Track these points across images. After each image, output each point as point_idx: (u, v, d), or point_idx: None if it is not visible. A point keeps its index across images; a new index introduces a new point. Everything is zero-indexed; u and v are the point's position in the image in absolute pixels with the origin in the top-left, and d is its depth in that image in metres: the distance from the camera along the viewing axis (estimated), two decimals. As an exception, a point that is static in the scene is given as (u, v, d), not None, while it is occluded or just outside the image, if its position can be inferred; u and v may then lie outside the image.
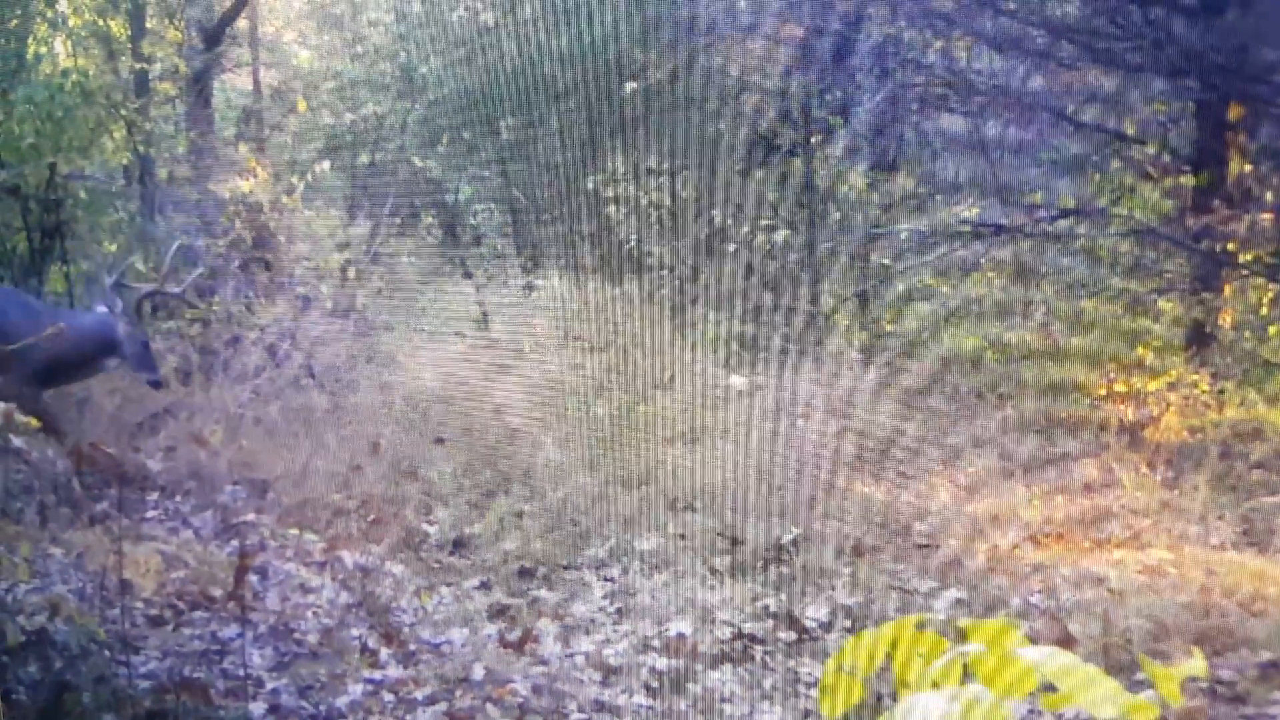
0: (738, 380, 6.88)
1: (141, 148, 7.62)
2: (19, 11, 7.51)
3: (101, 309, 5.68)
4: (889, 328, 7.83)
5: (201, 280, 6.26)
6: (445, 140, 8.78)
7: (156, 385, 5.80)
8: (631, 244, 8.41)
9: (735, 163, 8.81)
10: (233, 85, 8.75)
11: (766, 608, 4.40)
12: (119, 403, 6.02)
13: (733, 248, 8.21)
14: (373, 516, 5.20)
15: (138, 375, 5.72)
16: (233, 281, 6.71)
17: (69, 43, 8.09)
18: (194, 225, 7.28)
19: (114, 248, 7.28)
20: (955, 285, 7.80)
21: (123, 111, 7.51)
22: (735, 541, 4.99)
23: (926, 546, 4.99)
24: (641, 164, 8.62)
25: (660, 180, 8.75)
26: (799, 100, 8.33)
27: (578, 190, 8.60)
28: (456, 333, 7.58)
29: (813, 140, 8.17)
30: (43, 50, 7.85)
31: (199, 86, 7.90)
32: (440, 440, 6.02)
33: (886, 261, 8.00)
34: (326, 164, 7.97)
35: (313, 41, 8.94)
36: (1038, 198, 7.63)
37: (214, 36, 7.94)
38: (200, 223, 7.33)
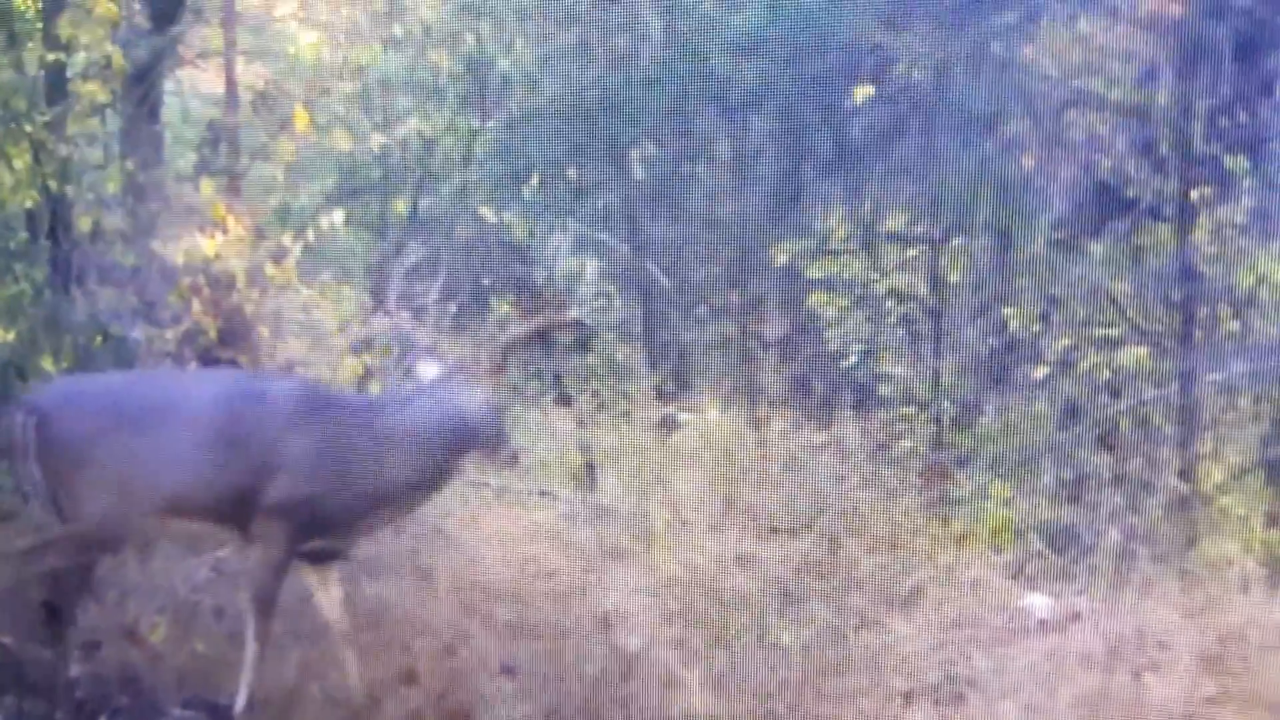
0: (1038, 601, 7.18)
1: (54, 184, 8.16)
2: None
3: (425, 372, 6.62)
4: (1321, 526, 7.98)
5: None
6: (536, 180, 9.38)
7: (515, 459, 6.79)
8: (853, 358, 8.79)
9: (1050, 227, 9.23)
10: (195, 87, 9.42)
11: None
12: (17, 568, 6.64)
13: (1041, 373, 8.59)
14: (395, 785, 5.72)
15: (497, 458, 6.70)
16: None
17: (-57, 22, 8.65)
18: (128, 307, 7.93)
19: (10, 336, 7.85)
20: None
21: (26, 127, 8.13)
22: None
23: None
24: (877, 224, 9.11)
25: (912, 253, 9.21)
26: (1171, 125, 8.77)
27: (759, 265, 9.03)
28: (544, 492, 8.02)
29: (1195, 194, 8.58)
30: (-99, 32, 8.48)
31: (143, 89, 8.64)
32: (509, 670, 6.48)
33: (1322, 412, 8.22)
34: (338, 215, 8.37)
35: (322, 18, 9.54)
36: None
37: (168, 12, 8.70)
38: (139, 303, 7.98)
